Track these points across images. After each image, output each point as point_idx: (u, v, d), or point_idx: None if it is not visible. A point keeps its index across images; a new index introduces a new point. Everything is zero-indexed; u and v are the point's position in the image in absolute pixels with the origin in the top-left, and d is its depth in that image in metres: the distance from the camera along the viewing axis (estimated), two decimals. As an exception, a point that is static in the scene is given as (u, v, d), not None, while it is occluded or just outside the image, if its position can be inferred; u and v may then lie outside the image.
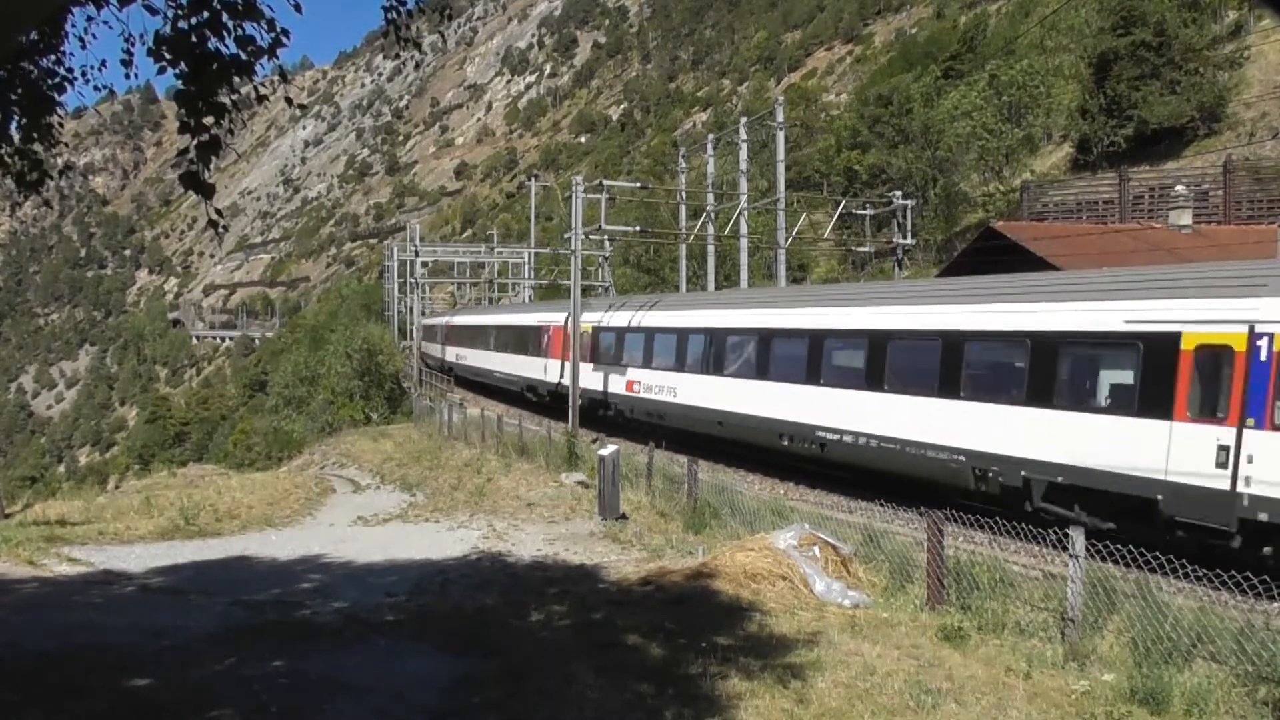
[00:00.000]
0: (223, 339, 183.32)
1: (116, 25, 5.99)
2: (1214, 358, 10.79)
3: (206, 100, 5.25)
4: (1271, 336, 10.30)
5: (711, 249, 34.21)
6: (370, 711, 6.27)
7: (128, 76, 6.37)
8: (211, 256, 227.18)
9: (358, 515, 17.90)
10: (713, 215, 32.22)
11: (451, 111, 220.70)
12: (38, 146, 6.12)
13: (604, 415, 26.38)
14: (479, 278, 65.06)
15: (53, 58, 5.87)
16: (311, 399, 44.43)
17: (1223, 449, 10.46)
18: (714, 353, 21.27)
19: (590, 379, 26.78)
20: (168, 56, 5.21)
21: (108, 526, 16.04)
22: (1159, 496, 11.09)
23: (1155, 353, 11.34)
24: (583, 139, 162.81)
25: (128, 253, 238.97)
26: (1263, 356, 10.30)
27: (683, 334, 22.70)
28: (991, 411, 13.62)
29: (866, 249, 36.98)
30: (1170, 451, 10.97)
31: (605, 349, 26.78)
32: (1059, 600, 8.22)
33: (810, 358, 17.58)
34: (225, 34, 5.26)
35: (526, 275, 54.48)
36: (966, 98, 39.59)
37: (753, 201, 32.44)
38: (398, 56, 7.37)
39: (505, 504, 17.11)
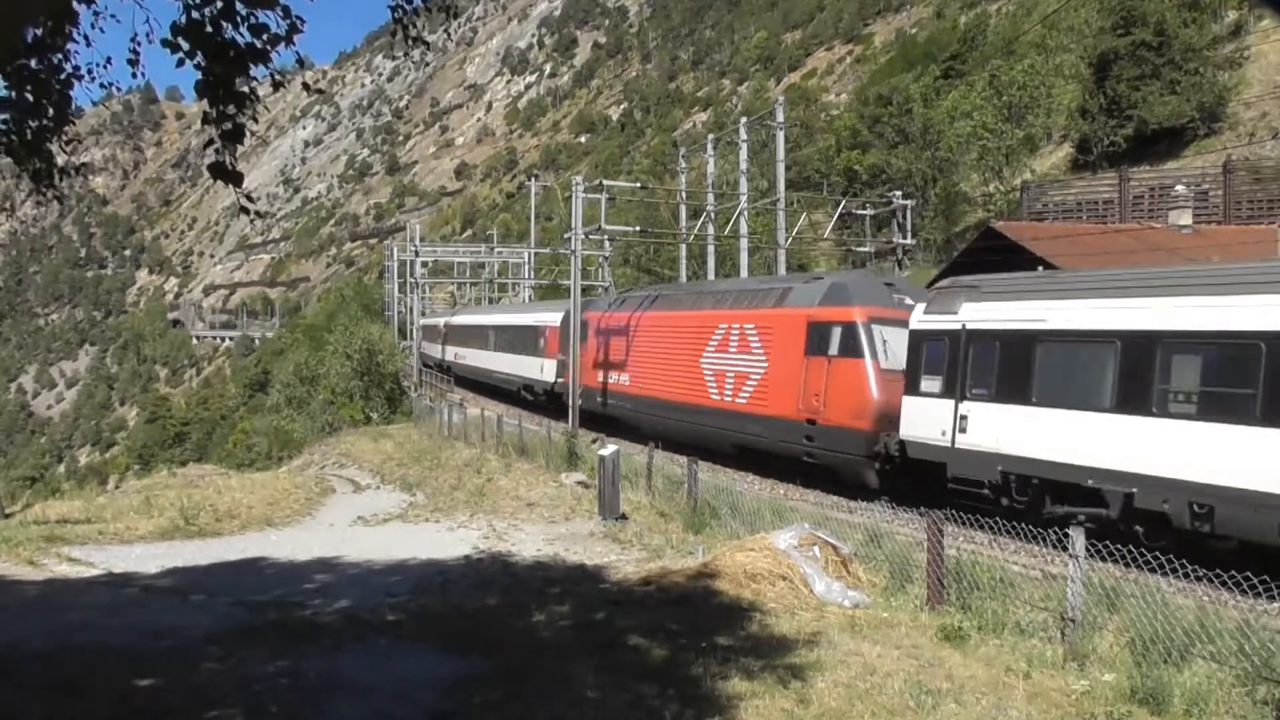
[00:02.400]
0: (223, 339, 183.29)
1: (124, 23, 6.02)
2: None
3: (227, 89, 5.28)
4: None
5: (711, 249, 34.21)
6: (370, 711, 6.27)
7: (134, 75, 6.37)
8: (211, 256, 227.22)
9: (358, 515, 17.90)
10: (713, 215, 32.22)
11: (451, 111, 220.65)
12: (52, 145, 6.11)
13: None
14: (479, 278, 65.05)
15: (59, 55, 5.87)
16: (311, 399, 44.43)
17: None
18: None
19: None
20: (184, 47, 5.23)
21: (108, 526, 16.02)
22: None
23: None
24: (583, 139, 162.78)
25: (128, 253, 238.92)
26: None
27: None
28: None
29: (866, 249, 36.99)
30: None
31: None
32: (1059, 600, 8.22)
33: None
34: (240, 22, 5.28)
35: (526, 275, 54.46)
36: (967, 98, 39.62)
37: (753, 201, 32.43)
38: (405, 55, 7.40)
39: (505, 504, 17.11)
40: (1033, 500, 13.04)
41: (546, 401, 31.64)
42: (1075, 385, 12.72)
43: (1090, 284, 13.29)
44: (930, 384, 14.71)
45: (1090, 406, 12.35)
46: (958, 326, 14.42)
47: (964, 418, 14.00)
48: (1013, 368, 13.43)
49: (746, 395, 19.78)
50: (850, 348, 16.86)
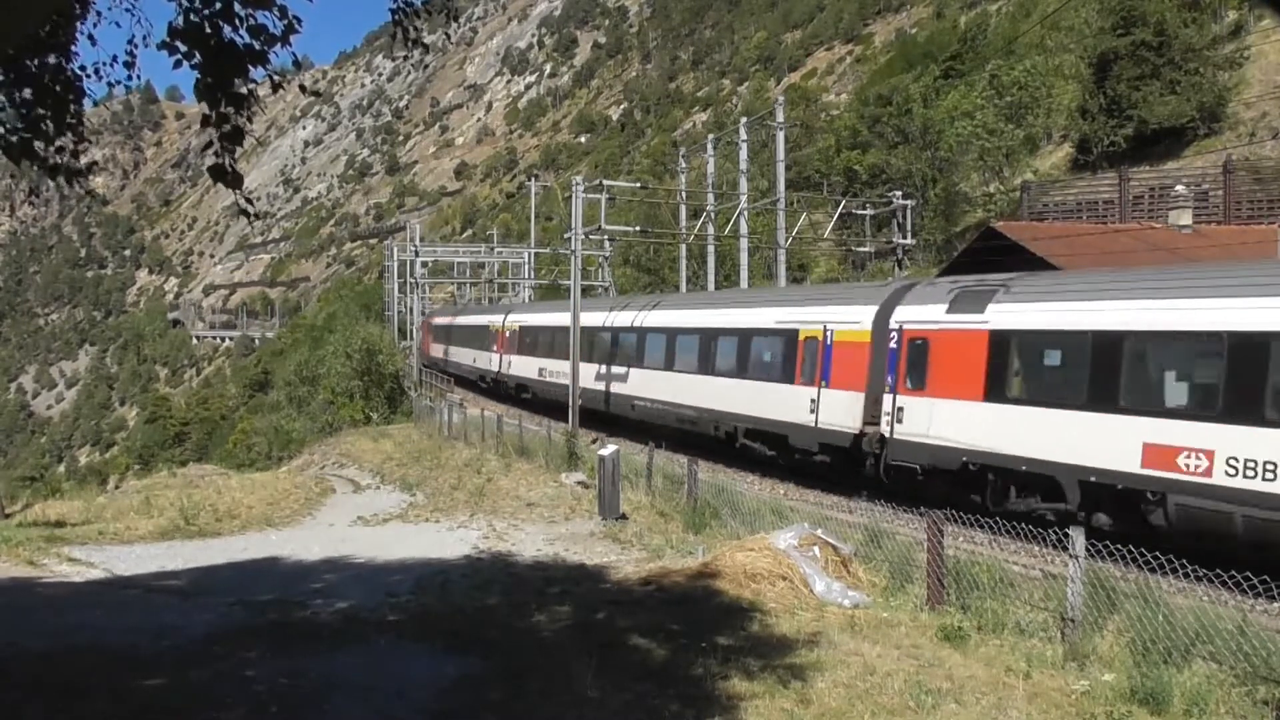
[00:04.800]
0: (223, 339, 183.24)
1: (127, 24, 6.04)
2: None
3: (225, 91, 5.28)
4: None
5: (711, 249, 34.24)
6: (370, 711, 6.27)
7: (130, 77, 6.38)
8: (211, 256, 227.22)
9: (358, 515, 17.90)
10: (713, 215, 32.23)
11: (451, 111, 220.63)
12: (67, 139, 6.11)
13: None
14: (479, 278, 65.02)
15: (66, 52, 5.88)
16: (312, 399, 44.42)
17: None
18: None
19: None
20: (182, 48, 5.23)
21: (108, 526, 16.05)
22: None
23: None
24: (583, 139, 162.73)
25: (128, 253, 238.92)
26: None
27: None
28: None
29: (866, 249, 37.00)
30: None
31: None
32: (1059, 600, 8.22)
33: None
34: (238, 23, 5.28)
35: (526, 275, 54.45)
36: (967, 98, 39.60)
37: (753, 201, 32.43)
38: (406, 58, 7.44)
39: (505, 504, 17.12)
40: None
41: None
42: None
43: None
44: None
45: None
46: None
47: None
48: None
49: None
50: None
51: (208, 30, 5.23)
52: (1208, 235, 24.69)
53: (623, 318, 26.62)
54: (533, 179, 74.71)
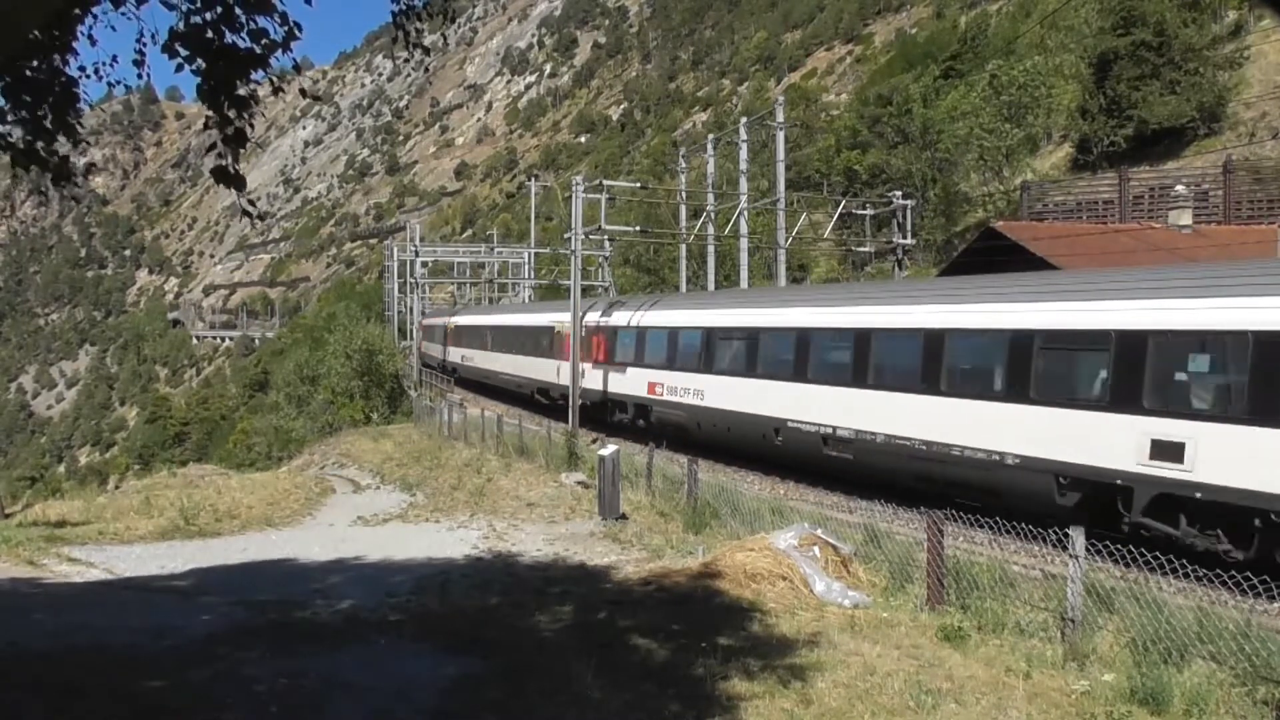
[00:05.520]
0: (223, 339, 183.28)
1: (130, 24, 6.04)
2: None
3: (228, 94, 5.31)
4: None
5: (711, 249, 34.23)
6: (371, 711, 6.27)
7: (140, 76, 6.39)
8: (211, 256, 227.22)
9: (358, 515, 17.90)
10: (713, 215, 32.22)
11: (451, 111, 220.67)
12: (64, 142, 6.13)
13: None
14: (479, 278, 65.08)
15: (64, 54, 5.88)
16: (312, 399, 44.42)
17: None
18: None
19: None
20: (183, 53, 5.26)
21: (108, 526, 16.05)
22: None
23: None
24: (583, 139, 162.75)
25: (128, 253, 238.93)
26: None
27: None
28: None
29: (866, 249, 36.99)
30: None
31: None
32: (1059, 600, 8.22)
33: None
34: (239, 28, 5.31)
35: (526, 275, 54.49)
36: (966, 98, 39.60)
37: (753, 201, 32.43)
38: (406, 60, 7.45)
39: (505, 504, 17.12)
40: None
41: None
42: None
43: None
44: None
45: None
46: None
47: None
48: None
49: None
50: None
51: (209, 35, 5.26)
52: (1208, 235, 24.68)
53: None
54: (533, 179, 74.70)
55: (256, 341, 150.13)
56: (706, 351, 21.29)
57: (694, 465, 14.85)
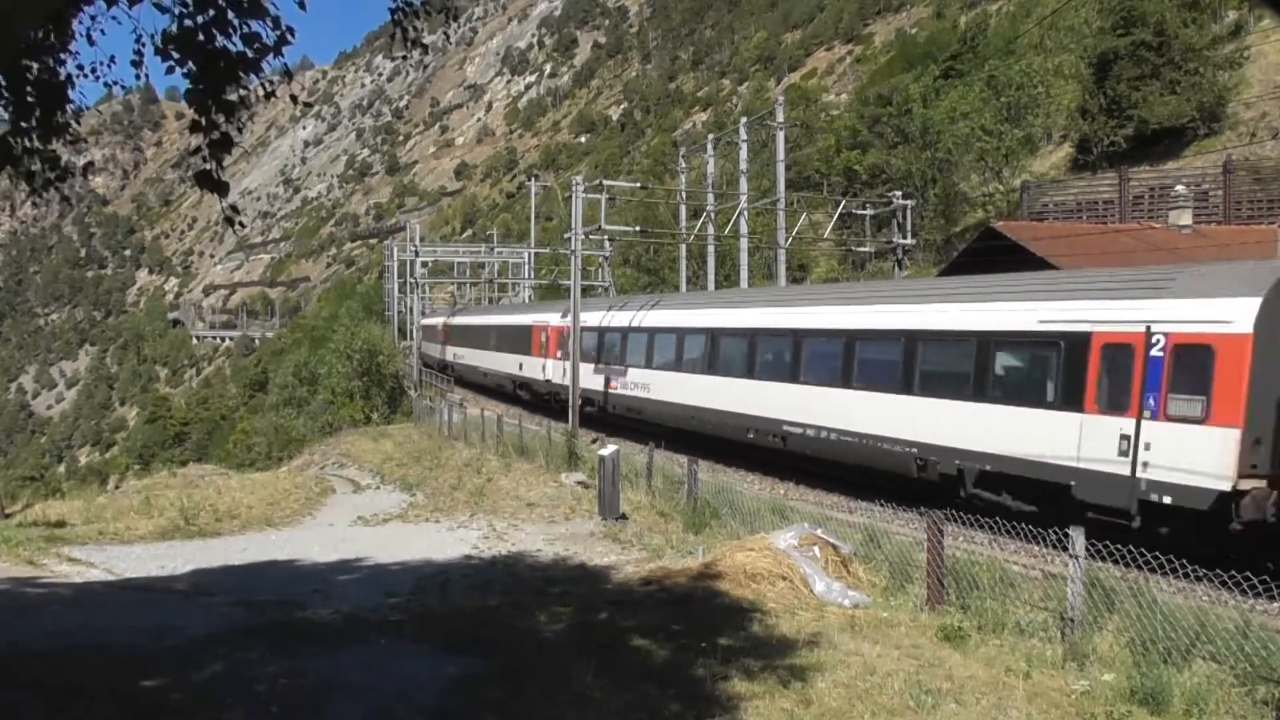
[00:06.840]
0: (223, 339, 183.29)
1: (125, 24, 6.06)
2: None
3: (216, 98, 5.29)
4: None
5: (711, 249, 34.23)
6: (371, 711, 6.27)
7: (138, 77, 6.39)
8: (211, 256, 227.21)
9: (358, 515, 17.91)
10: (713, 215, 32.21)
11: (451, 111, 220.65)
12: (55, 144, 6.12)
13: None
14: (479, 278, 65.08)
15: (58, 55, 5.87)
16: (312, 399, 44.44)
17: None
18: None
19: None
20: (175, 55, 5.26)
21: (108, 526, 16.06)
22: None
23: None
24: (583, 139, 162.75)
25: (128, 253, 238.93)
26: None
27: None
28: None
29: (866, 249, 36.99)
30: None
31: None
32: (1059, 600, 8.23)
33: None
34: (232, 32, 5.31)
35: (526, 275, 54.49)
36: (965, 99, 39.58)
37: (753, 201, 32.43)
38: (405, 58, 7.43)
39: (505, 504, 17.12)
40: None
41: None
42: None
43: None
44: None
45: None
46: None
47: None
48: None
49: None
50: None
51: (201, 38, 5.25)
52: (1207, 235, 24.67)
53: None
54: (533, 179, 74.71)
55: (256, 341, 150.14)
56: (648, 350, 24.17)
57: (694, 465, 14.85)
